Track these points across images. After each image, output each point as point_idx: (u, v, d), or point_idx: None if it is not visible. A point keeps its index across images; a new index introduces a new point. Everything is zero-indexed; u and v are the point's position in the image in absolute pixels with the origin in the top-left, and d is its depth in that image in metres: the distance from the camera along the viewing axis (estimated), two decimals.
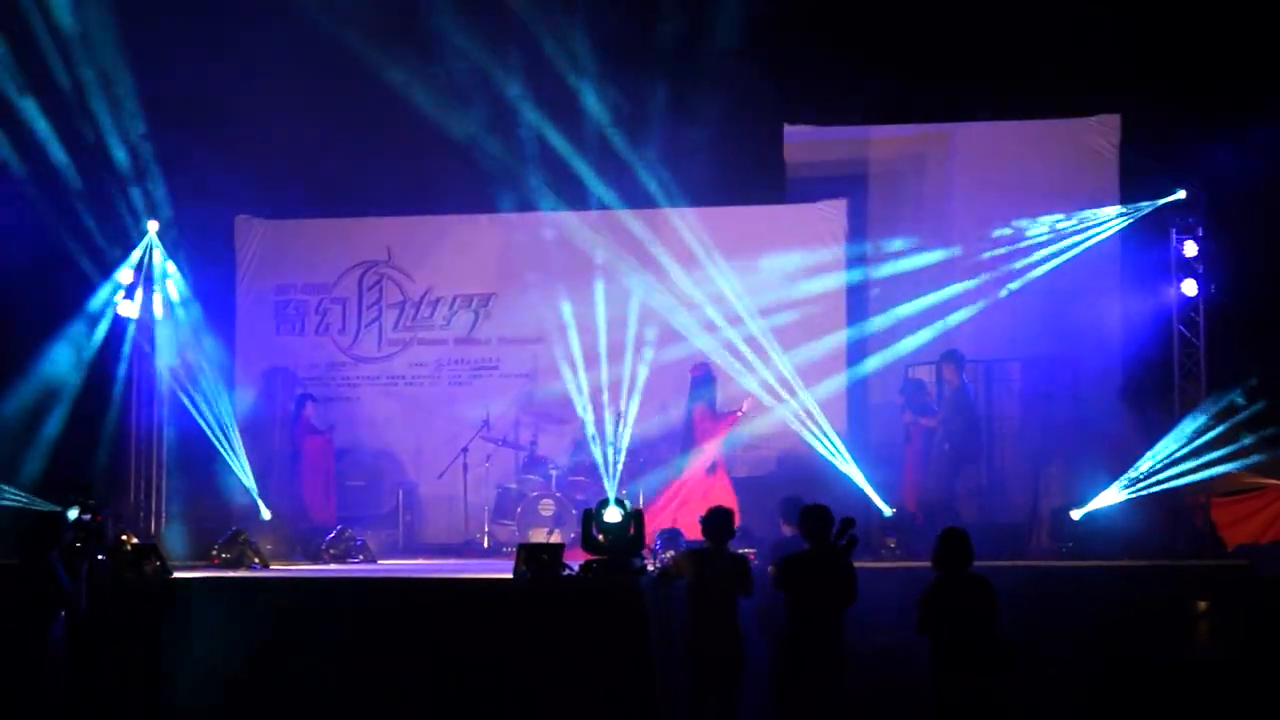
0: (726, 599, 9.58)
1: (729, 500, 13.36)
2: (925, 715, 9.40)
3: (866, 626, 10.31)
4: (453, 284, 16.93)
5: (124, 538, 12.34)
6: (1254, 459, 14.22)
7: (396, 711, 10.56)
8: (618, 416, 15.17)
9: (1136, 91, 15.62)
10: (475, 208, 16.57)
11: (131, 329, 15.39)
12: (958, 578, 9.21)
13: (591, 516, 11.37)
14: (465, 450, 16.00)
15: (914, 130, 16.59)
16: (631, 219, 16.13)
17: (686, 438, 14.75)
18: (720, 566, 9.70)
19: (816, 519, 9.61)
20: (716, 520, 9.86)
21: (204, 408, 15.45)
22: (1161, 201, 15.32)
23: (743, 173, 16.31)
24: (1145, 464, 13.93)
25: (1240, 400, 14.25)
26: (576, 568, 11.24)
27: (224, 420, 15.50)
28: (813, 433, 15.09)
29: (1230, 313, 15.14)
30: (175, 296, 15.69)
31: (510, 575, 11.21)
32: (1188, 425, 14.23)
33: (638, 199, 16.06)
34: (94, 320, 15.40)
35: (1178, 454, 14.01)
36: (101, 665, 10.52)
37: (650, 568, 11.73)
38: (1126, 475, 13.89)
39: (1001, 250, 15.86)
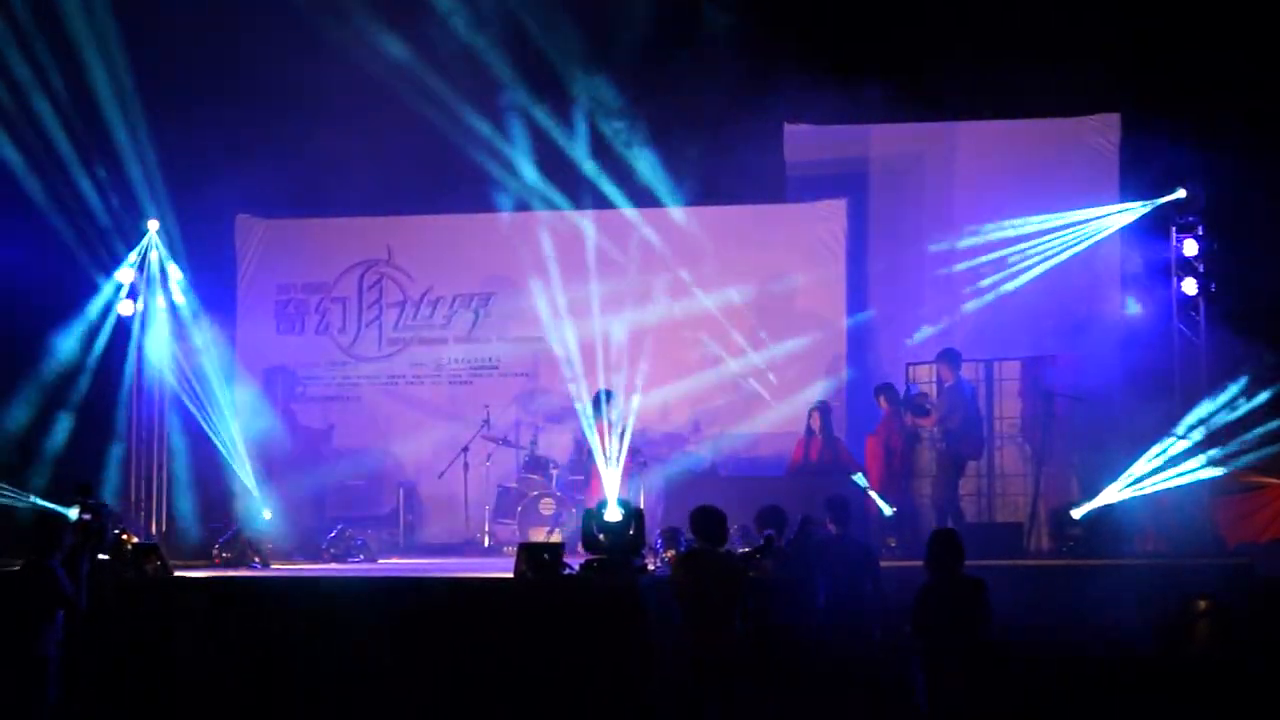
0: (726, 601, 9.44)
1: None
2: (918, 715, 9.46)
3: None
4: (453, 283, 16.93)
5: (124, 537, 12.36)
6: (1254, 457, 14.22)
7: (395, 710, 10.56)
8: (618, 415, 15.14)
9: (1136, 90, 15.62)
10: (475, 207, 16.56)
11: (132, 328, 15.38)
12: (950, 579, 9.27)
13: (592, 516, 11.37)
14: (465, 450, 15.98)
15: (914, 129, 16.56)
16: (631, 218, 16.14)
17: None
18: (717, 568, 9.53)
19: (764, 520, 10.19)
20: (704, 521, 9.69)
21: (204, 407, 15.44)
22: (1161, 200, 15.31)
23: (742, 172, 16.30)
24: (1145, 462, 13.92)
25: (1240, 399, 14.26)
26: (577, 567, 11.26)
27: (224, 419, 15.49)
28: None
29: (1230, 311, 15.12)
30: (175, 296, 15.68)
31: (510, 575, 11.22)
32: (1188, 422, 14.23)
33: (637, 198, 16.06)
34: (94, 320, 15.40)
35: (1177, 452, 14.00)
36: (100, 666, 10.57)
37: (651, 566, 11.73)
38: (1127, 474, 13.88)
39: (1002, 249, 15.85)
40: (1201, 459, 13.97)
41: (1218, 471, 14.02)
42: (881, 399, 14.96)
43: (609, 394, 14.73)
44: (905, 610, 9.73)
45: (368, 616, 10.72)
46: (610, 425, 14.35)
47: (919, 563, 9.78)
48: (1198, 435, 14.05)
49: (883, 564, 10.76)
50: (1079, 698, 10.62)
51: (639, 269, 16.06)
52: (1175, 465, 13.92)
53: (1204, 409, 14.30)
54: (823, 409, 14.85)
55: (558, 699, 10.34)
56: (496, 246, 16.55)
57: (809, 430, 14.83)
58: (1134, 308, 15.65)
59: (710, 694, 9.43)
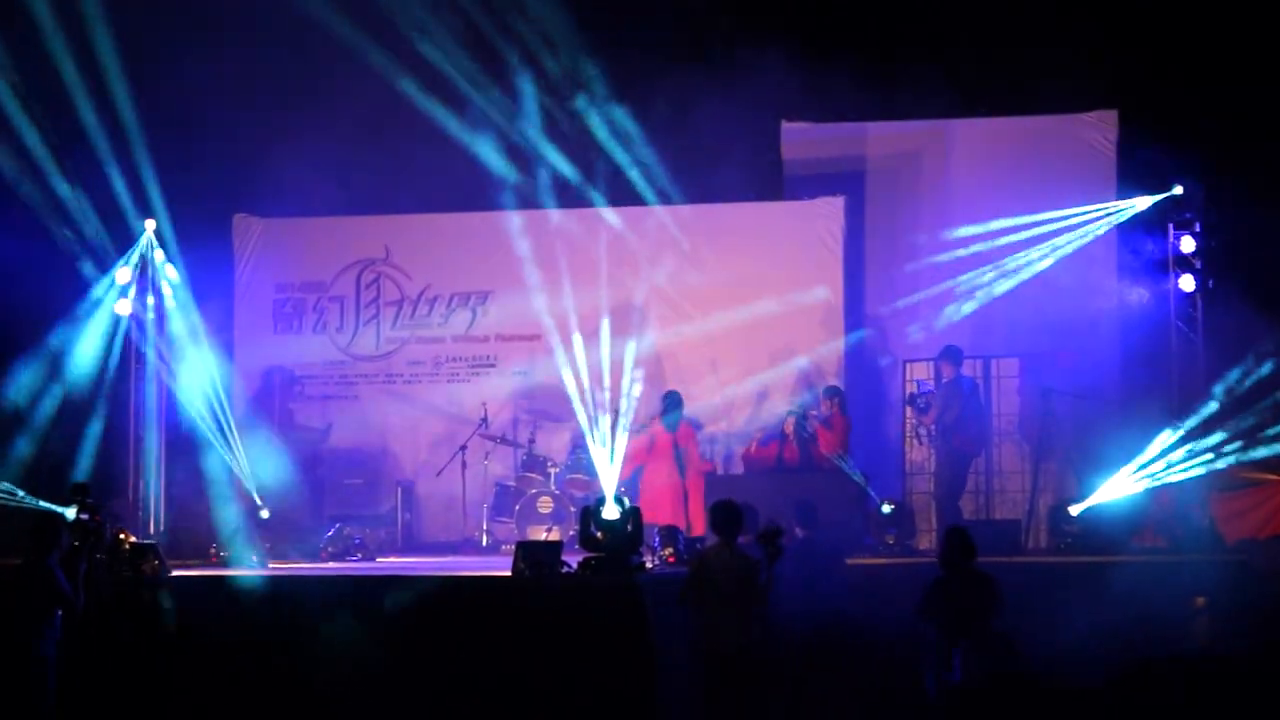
0: (738, 596, 9.40)
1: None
2: (924, 707, 9.50)
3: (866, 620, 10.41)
4: (450, 282, 16.91)
5: (122, 537, 12.37)
6: (1253, 454, 14.22)
7: (393, 709, 10.57)
8: (615, 414, 15.15)
9: (1134, 86, 15.62)
10: (473, 205, 16.56)
11: (129, 328, 15.36)
12: (960, 574, 9.46)
13: (590, 514, 11.38)
14: (464, 448, 15.99)
15: (912, 127, 16.55)
16: (628, 216, 16.14)
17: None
18: (729, 563, 9.50)
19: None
20: (719, 515, 9.70)
21: (202, 407, 15.42)
22: (1159, 197, 15.32)
23: (740, 170, 16.30)
24: (1143, 459, 13.92)
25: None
26: (575, 565, 11.26)
27: (222, 419, 15.47)
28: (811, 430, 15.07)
29: (1228, 308, 15.12)
30: (172, 295, 15.66)
31: (509, 573, 11.23)
32: (1186, 420, 14.23)
33: (635, 196, 16.06)
34: (91, 320, 15.38)
35: (1176, 449, 14.00)
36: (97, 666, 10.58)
37: (649, 565, 11.73)
38: (1124, 471, 13.88)
39: (1000, 245, 15.85)
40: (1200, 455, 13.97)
41: (1217, 468, 13.99)
42: (834, 402, 14.85)
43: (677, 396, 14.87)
44: (895, 605, 9.84)
45: (366, 615, 10.72)
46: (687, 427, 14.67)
47: (914, 560, 9.84)
48: (1214, 439, 14.04)
49: (880, 562, 10.77)
50: (1075, 694, 10.62)
51: (636, 267, 16.05)
52: (1173, 461, 13.92)
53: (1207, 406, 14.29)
54: (798, 418, 14.83)
55: (555, 698, 10.34)
56: (494, 245, 16.49)
57: (782, 434, 14.83)
58: (1138, 293, 15.64)
59: (721, 688, 9.41)
